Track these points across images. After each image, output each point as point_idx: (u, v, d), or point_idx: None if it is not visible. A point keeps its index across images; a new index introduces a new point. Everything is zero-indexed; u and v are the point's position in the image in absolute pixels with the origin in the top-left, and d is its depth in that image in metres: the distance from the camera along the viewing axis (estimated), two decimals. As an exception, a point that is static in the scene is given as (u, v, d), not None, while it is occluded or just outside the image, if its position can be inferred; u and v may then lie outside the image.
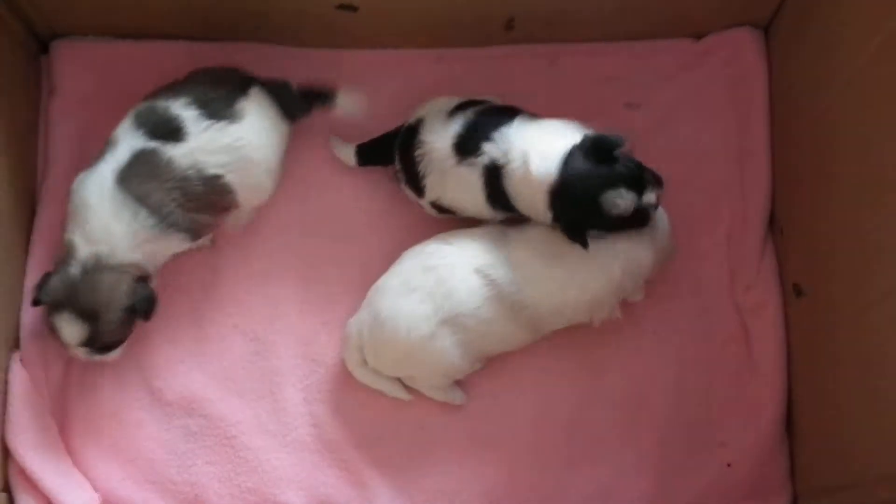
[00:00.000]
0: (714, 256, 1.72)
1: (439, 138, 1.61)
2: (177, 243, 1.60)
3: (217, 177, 1.59)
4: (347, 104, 1.73)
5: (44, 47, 1.79)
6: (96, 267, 1.51)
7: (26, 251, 1.69)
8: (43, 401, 1.61)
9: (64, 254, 1.54)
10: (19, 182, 1.68)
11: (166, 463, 1.65)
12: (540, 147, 1.52)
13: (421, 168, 1.64)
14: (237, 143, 1.59)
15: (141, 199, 1.53)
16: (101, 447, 1.65)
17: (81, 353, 1.58)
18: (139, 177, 1.54)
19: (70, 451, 1.63)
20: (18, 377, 1.59)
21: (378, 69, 1.82)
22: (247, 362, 1.70)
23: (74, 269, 1.51)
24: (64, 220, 1.59)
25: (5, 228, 1.63)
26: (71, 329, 1.53)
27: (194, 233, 1.61)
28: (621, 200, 1.47)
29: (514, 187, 1.55)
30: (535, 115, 1.62)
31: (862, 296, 1.43)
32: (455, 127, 1.61)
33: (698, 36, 1.80)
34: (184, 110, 1.58)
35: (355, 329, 1.62)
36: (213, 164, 1.58)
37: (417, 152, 1.63)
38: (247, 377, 1.70)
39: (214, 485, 1.64)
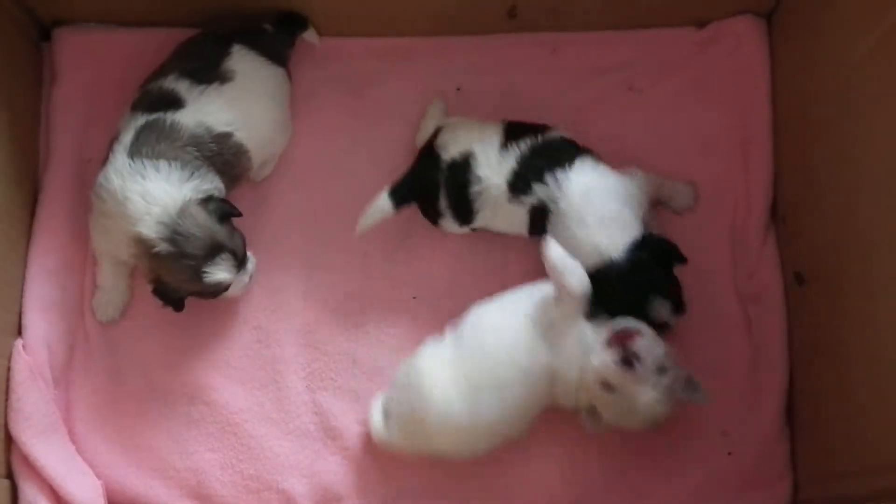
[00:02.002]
0: (716, 244, 1.72)
1: (495, 174, 1.60)
2: (218, 182, 1.62)
3: (227, 135, 1.62)
4: (312, 38, 1.78)
5: (45, 34, 1.79)
6: (171, 228, 1.52)
7: (28, 238, 1.69)
8: (46, 388, 1.61)
9: (145, 259, 1.55)
10: (21, 169, 1.67)
11: (168, 450, 1.65)
12: (604, 215, 1.55)
13: (477, 204, 1.63)
14: (234, 100, 1.62)
15: (157, 157, 1.56)
16: (103, 434, 1.65)
17: (240, 282, 1.61)
18: (148, 144, 1.57)
19: (73, 439, 1.64)
20: (21, 364, 1.59)
21: (381, 57, 1.82)
22: (249, 350, 1.71)
23: (164, 248, 1.52)
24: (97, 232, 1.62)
25: (7, 215, 1.63)
26: (222, 268, 1.55)
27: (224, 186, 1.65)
28: (664, 311, 1.52)
29: (561, 232, 1.56)
30: (592, 155, 1.63)
31: (864, 285, 1.43)
32: (510, 162, 1.60)
33: (701, 24, 1.80)
34: (175, 83, 1.61)
35: (395, 411, 1.57)
36: (219, 122, 1.61)
37: (474, 189, 1.62)
38: (249, 365, 1.70)
39: (216, 472, 1.65)
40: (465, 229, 1.69)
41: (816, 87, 1.58)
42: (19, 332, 1.63)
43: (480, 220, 1.66)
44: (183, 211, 1.53)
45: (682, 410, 1.63)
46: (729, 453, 1.63)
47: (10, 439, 1.57)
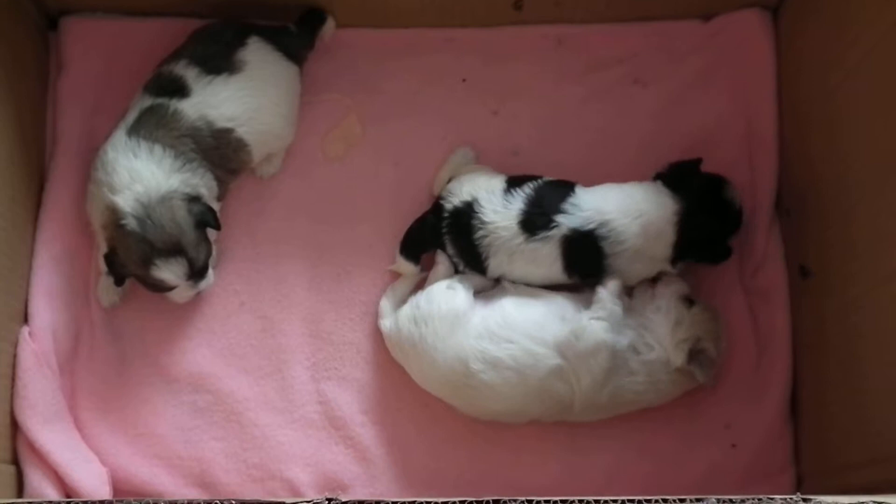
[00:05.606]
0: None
1: (502, 218, 1.60)
2: (209, 181, 1.62)
3: (228, 130, 1.62)
4: (328, 31, 1.79)
5: (53, 24, 1.79)
6: (146, 209, 1.54)
7: (35, 227, 1.69)
8: (52, 375, 1.61)
9: (111, 227, 1.56)
10: (28, 158, 1.68)
11: (173, 438, 1.66)
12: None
13: (483, 250, 1.62)
14: (241, 92, 1.63)
15: (153, 141, 1.57)
16: (109, 422, 1.66)
17: (186, 291, 1.62)
18: (147, 127, 1.59)
19: (78, 426, 1.64)
20: (27, 351, 1.60)
21: (386, 48, 1.82)
22: (254, 340, 1.71)
23: (132, 224, 1.53)
24: (90, 203, 1.63)
25: (14, 204, 1.63)
26: (171, 269, 1.56)
27: (219, 182, 1.65)
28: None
29: (626, 239, 1.58)
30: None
31: (869, 277, 1.44)
32: (517, 204, 1.60)
33: (707, 17, 1.80)
34: (185, 70, 1.62)
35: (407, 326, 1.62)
36: (221, 117, 1.62)
37: (478, 234, 1.62)
38: (254, 354, 1.71)
39: (221, 460, 1.65)
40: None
41: (823, 80, 1.59)
42: (25, 320, 1.64)
43: (495, 269, 1.64)
44: (165, 200, 1.55)
45: (686, 404, 1.65)
46: (733, 446, 1.64)
47: (16, 426, 1.58)
